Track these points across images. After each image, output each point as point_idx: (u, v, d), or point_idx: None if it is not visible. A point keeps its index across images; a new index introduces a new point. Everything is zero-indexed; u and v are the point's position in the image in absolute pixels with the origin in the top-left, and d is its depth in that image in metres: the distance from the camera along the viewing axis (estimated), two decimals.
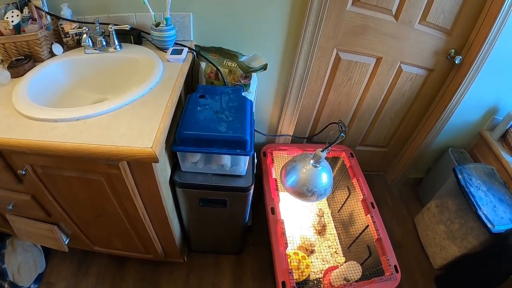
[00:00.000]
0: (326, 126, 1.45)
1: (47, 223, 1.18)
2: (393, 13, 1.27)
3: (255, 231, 1.62)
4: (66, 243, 1.26)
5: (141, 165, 0.84)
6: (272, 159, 1.47)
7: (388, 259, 1.18)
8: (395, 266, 1.17)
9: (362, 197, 1.37)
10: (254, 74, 1.22)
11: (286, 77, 1.37)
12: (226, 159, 1.04)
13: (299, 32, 1.21)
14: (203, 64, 1.17)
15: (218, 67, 1.13)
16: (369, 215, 1.31)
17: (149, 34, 1.13)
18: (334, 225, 1.61)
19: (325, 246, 1.53)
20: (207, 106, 1.00)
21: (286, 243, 1.17)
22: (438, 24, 1.31)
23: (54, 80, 1.04)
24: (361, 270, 1.24)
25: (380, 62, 1.41)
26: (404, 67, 1.45)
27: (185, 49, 1.09)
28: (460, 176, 1.42)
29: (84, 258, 1.50)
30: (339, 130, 1.18)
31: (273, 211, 1.26)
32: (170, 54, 1.07)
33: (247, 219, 1.28)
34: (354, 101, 1.58)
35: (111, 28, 1.06)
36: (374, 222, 1.28)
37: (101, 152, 0.75)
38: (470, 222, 1.38)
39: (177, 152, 1.00)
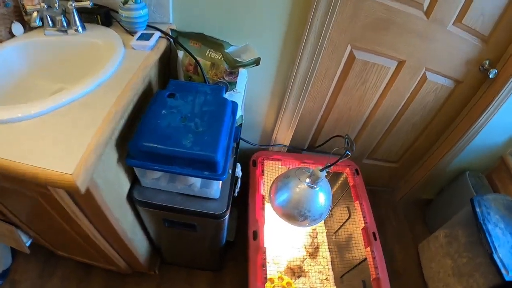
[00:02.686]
0: (329, 139, 1.24)
1: (6, 222, 1.02)
2: (424, 9, 1.03)
3: (239, 245, 1.44)
4: (27, 244, 1.11)
5: None
6: (263, 171, 1.26)
7: None
8: None
9: (363, 225, 1.17)
10: (243, 70, 0.99)
11: (286, 74, 1.14)
12: (194, 179, 0.84)
13: (305, 20, 0.97)
14: (180, 54, 0.95)
15: (198, 58, 0.91)
16: (369, 248, 1.12)
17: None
18: (328, 248, 1.42)
19: (315, 272, 1.35)
20: (175, 110, 0.78)
21: (266, 278, 0.98)
22: (475, 28, 1.08)
23: (8, 65, 0.84)
24: None
25: (403, 66, 1.18)
26: (429, 75, 1.22)
27: (156, 34, 0.87)
28: (478, 210, 1.22)
29: (50, 259, 1.36)
30: (344, 148, 0.98)
31: (255, 235, 1.07)
32: (136, 40, 0.85)
33: (223, 241, 1.09)
34: (367, 107, 1.36)
35: (71, 5, 0.86)
36: (374, 258, 1.09)
37: (14, 171, 0.56)
38: (479, 257, 1.20)
39: None
